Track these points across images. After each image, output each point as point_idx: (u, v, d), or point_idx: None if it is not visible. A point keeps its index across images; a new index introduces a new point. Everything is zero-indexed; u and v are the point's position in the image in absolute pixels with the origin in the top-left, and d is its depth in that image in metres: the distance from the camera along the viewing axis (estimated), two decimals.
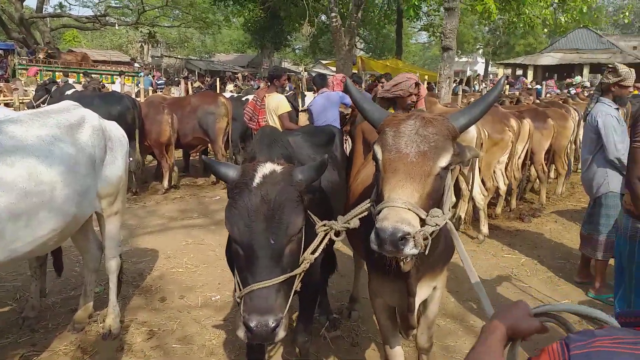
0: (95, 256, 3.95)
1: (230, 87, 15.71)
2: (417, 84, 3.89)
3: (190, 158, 10.55)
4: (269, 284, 1.93)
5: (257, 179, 2.01)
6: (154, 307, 4.32)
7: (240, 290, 2.05)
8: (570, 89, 16.95)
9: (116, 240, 3.86)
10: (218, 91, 14.45)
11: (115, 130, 3.76)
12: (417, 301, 2.45)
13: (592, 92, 14.97)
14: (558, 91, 16.31)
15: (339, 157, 3.59)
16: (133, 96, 10.78)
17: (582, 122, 8.43)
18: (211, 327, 3.98)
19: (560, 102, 9.91)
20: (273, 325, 1.91)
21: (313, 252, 2.20)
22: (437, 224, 1.83)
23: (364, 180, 2.94)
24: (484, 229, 6.13)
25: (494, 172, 6.43)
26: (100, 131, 3.49)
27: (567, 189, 8.51)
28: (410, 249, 1.69)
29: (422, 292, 2.54)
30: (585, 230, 4.60)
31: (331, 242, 2.36)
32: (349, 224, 2.20)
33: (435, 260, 2.42)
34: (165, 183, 8.55)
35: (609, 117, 4.26)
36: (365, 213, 2.20)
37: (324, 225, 2.23)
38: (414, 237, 1.68)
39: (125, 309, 4.24)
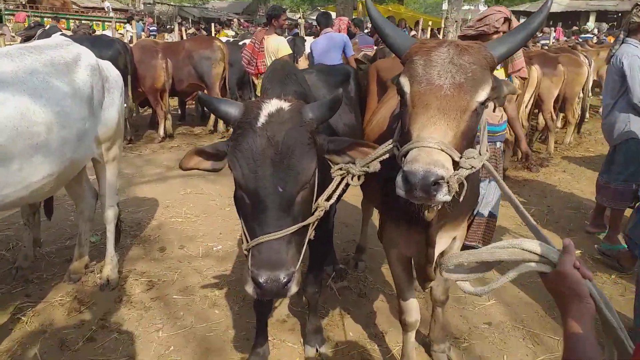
0: (90, 204, 3.75)
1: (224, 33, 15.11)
2: (507, 20, 3.31)
3: (187, 106, 10.21)
4: (279, 236, 1.74)
5: (262, 118, 1.78)
6: (153, 257, 4.17)
7: (247, 242, 1.84)
8: (587, 35, 16.33)
9: (114, 188, 3.65)
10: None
11: (112, 70, 3.48)
12: (436, 252, 2.27)
13: (601, 37, 14.44)
14: (565, 38, 15.74)
15: (354, 97, 3.32)
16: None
17: (592, 70, 8.13)
18: (213, 277, 3.84)
19: (569, 48, 9.51)
20: (285, 280, 1.74)
21: (328, 199, 1.98)
22: (472, 167, 1.60)
23: (380, 123, 2.71)
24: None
25: None
26: (98, 71, 3.22)
27: (574, 138, 8.28)
28: (443, 196, 1.47)
29: (442, 242, 2.35)
30: (603, 178, 4.41)
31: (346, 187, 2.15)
32: (368, 167, 1.95)
33: (459, 209, 2.21)
34: (161, 131, 8.27)
35: (636, 59, 3.98)
36: (386, 156, 1.96)
37: (340, 169, 1.98)
38: (447, 182, 1.46)
39: (123, 259, 4.08)
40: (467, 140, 1.65)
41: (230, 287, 3.70)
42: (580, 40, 13.27)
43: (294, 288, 1.80)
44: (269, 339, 3.05)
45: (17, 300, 3.42)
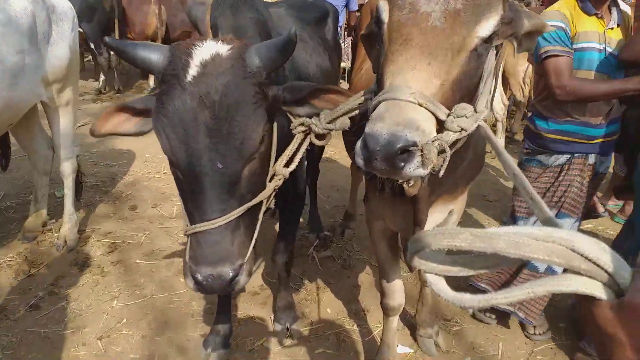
0: (45, 156, 3.35)
1: None
2: None
3: None
4: (220, 224, 1.36)
5: (193, 69, 1.32)
6: (122, 216, 3.81)
7: (187, 225, 1.45)
8: None
9: (69, 138, 3.23)
10: None
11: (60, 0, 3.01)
12: (428, 228, 1.86)
13: None
14: None
15: (331, 40, 2.87)
16: None
17: None
18: (183, 241, 3.48)
19: None
20: (231, 275, 1.38)
21: (287, 164, 1.57)
22: (462, 129, 1.14)
23: (370, 70, 2.26)
24: (500, 141, 5.48)
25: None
26: None
27: None
28: (414, 169, 1.04)
29: (435, 217, 1.92)
30: None
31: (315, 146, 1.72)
32: (333, 124, 1.49)
33: (458, 177, 1.77)
34: (152, 81, 7.80)
35: None
36: (357, 111, 1.49)
37: (302, 124, 1.54)
38: (421, 150, 1.03)
39: (89, 217, 3.73)
40: (462, 92, 1.18)
41: None
42: None
43: (243, 281, 1.44)
44: (236, 313, 2.73)
45: None
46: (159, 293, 2.93)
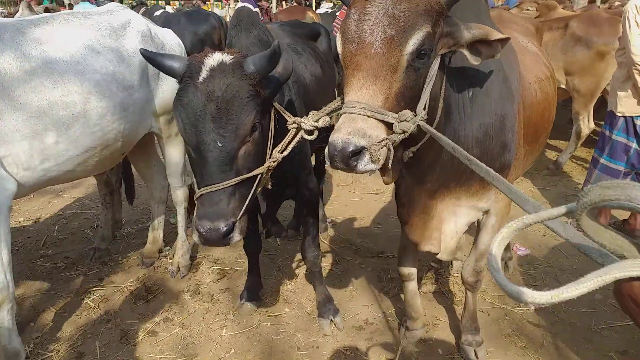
0: (161, 185, 3.56)
1: (325, 4, 14.55)
2: None
3: None
4: (217, 188, 1.80)
5: (204, 73, 1.82)
6: None
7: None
8: None
9: (179, 166, 3.39)
10: (314, 9, 13.50)
11: (169, 37, 3.21)
12: (450, 232, 2.16)
13: None
14: None
15: (323, 51, 3.36)
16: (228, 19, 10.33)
17: None
18: (287, 270, 3.49)
19: None
20: (224, 230, 1.80)
21: (282, 151, 2.00)
22: (403, 131, 1.43)
23: None
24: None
25: None
26: (150, 38, 2.96)
27: None
28: (364, 165, 1.38)
29: (461, 216, 2.14)
30: None
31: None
32: (317, 122, 1.91)
33: (449, 170, 1.95)
34: None
35: None
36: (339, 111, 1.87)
37: (294, 122, 1.97)
38: (370, 151, 1.37)
39: None
40: (406, 99, 1.47)
41: (305, 283, 3.33)
42: None
43: (236, 237, 1.85)
44: (341, 348, 2.65)
45: (90, 283, 3.34)
46: (264, 322, 2.95)
